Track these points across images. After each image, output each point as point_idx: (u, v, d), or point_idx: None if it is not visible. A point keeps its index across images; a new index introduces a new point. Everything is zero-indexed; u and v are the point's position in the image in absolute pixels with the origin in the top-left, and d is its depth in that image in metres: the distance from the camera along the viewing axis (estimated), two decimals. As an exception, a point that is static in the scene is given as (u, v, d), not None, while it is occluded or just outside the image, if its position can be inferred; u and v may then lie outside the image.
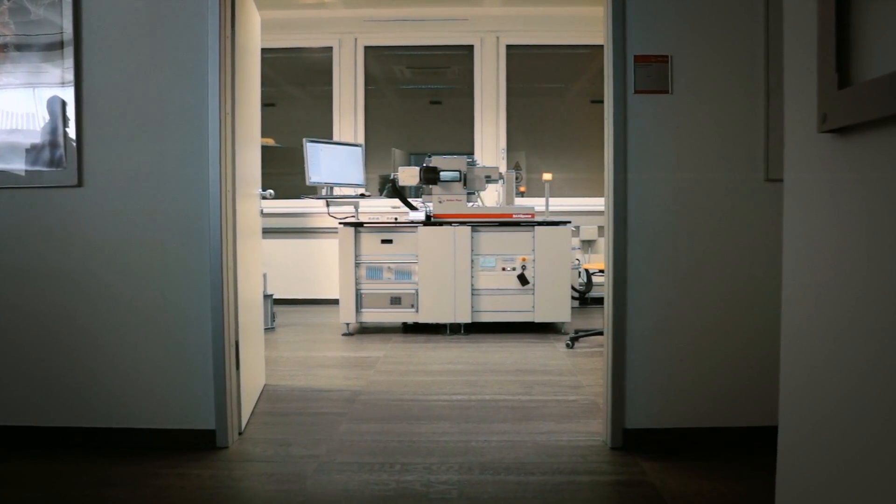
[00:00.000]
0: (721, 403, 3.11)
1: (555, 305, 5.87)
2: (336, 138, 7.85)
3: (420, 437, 3.27)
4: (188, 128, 3.06)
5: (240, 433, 3.30)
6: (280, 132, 8.02)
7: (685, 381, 3.11)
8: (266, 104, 8.72)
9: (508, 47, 7.93)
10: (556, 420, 3.52)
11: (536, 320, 5.89)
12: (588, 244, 7.74)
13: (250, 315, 3.73)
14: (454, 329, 5.95)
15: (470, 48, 7.97)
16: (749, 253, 3.07)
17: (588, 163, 7.93)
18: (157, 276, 3.12)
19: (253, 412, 3.67)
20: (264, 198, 4.12)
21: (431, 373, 4.54)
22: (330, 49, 8.02)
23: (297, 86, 8.39)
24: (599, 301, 7.66)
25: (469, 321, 5.85)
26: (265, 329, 6.10)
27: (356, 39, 7.94)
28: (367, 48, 8.00)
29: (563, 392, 4.05)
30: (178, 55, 3.06)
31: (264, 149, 8.45)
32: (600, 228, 7.68)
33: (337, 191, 6.47)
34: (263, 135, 8.59)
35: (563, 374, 4.47)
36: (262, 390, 4.10)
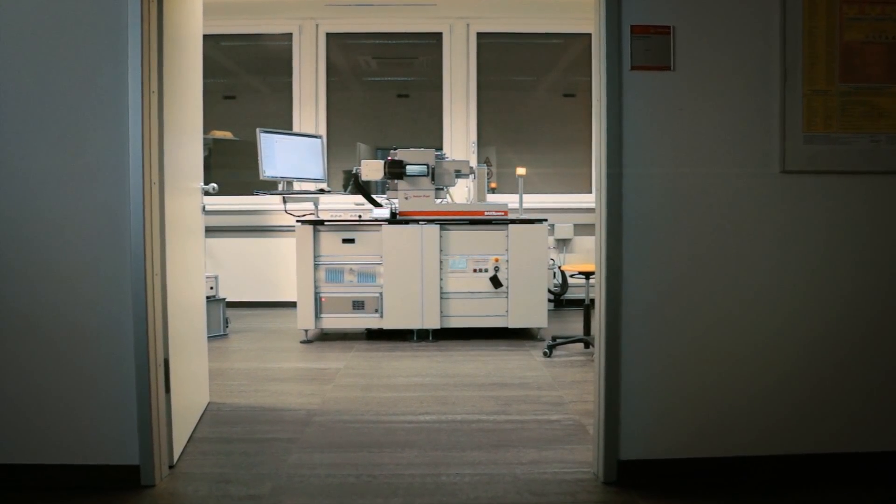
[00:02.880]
0: (732, 429, 2.70)
1: (530, 310, 5.45)
2: (296, 131, 7.36)
3: (382, 469, 2.82)
4: (104, 111, 2.57)
5: (171, 466, 2.82)
6: (240, 125, 7.53)
7: (689, 403, 2.69)
8: (226, 97, 8.33)
9: (479, 35, 7.50)
10: (539, 446, 3.08)
11: (511, 326, 5.46)
12: (563, 243, 7.35)
13: (188, 325, 3.25)
14: (422, 335, 5.49)
15: (438, 36, 7.52)
16: (762, 255, 2.66)
17: (561, 158, 7.55)
18: (68, 287, 2.62)
19: (191, 438, 3.19)
20: (207, 193, 3.64)
21: (396, 387, 4.08)
22: (290, 36, 7.52)
23: (257, 77, 7.88)
24: (575, 303, 7.30)
25: (438, 327, 5.40)
26: (216, 336, 5.62)
27: (317, 25, 7.46)
28: (329, 35, 7.51)
29: (544, 410, 3.62)
30: (92, 29, 2.56)
31: (223, 143, 8.01)
32: (576, 227, 7.29)
33: (296, 186, 5.98)
34: (222, 128, 8.15)
35: (543, 389, 4.05)
36: (205, 410, 3.62)
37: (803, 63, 2.59)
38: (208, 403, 3.73)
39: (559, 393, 3.95)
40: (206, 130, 7.81)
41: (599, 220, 2.66)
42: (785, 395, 2.71)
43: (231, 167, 7.63)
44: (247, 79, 7.84)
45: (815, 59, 2.59)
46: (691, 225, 2.65)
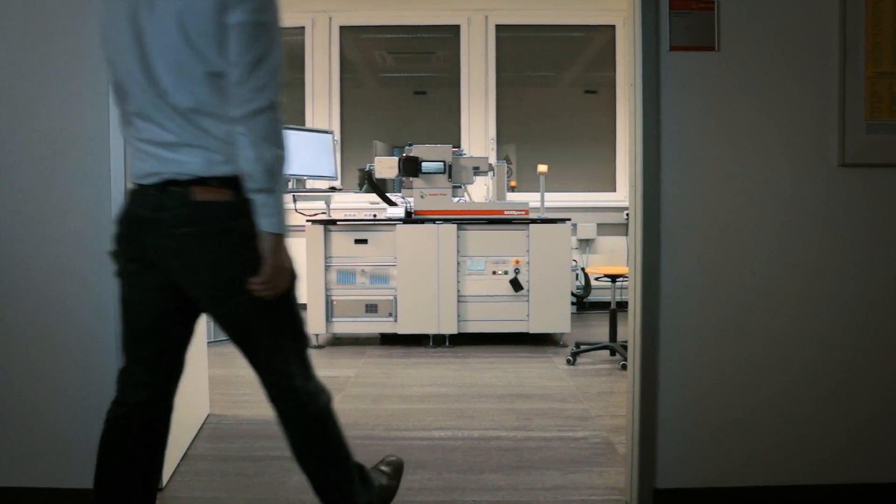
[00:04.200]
0: (788, 455, 2.40)
1: (552, 314, 5.16)
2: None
3: (391, 494, 2.56)
4: (84, 102, 2.33)
5: (160, 489, 2.57)
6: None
7: (737, 423, 2.39)
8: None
9: (498, 27, 7.22)
10: (564, 468, 2.80)
11: (531, 331, 5.18)
12: (586, 243, 7.05)
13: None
14: (438, 341, 5.22)
15: (456, 29, 7.25)
16: (820, 256, 2.36)
17: (583, 156, 7.28)
18: (44, 293, 2.38)
19: (185, 455, 2.94)
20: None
21: (409, 398, 3.82)
22: (302, 30, 7.27)
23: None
24: (599, 306, 7.00)
25: (455, 332, 5.12)
26: (221, 340, 5.37)
27: (331, 18, 7.21)
28: (343, 28, 7.26)
29: (569, 426, 3.34)
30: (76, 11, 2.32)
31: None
32: (599, 226, 6.99)
33: (308, 184, 5.72)
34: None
35: (567, 400, 3.76)
36: (204, 423, 3.37)
37: (866, 42, 2.29)
38: (208, 415, 3.48)
39: (584, 406, 3.66)
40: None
41: (634, 219, 2.38)
42: (846, 416, 2.40)
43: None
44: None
45: (881, 37, 2.29)
46: (738, 225, 2.36)
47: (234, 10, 1.64)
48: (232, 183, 1.73)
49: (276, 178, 1.69)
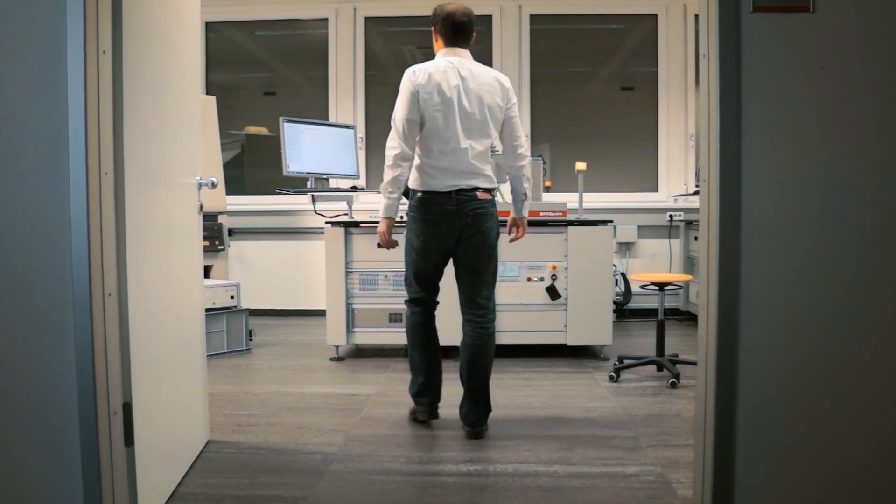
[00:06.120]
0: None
1: (593, 325, 4.71)
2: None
3: (409, 550, 2.14)
4: (35, 78, 1.94)
5: (137, 539, 2.18)
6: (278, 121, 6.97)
7: (838, 463, 1.94)
8: (266, 93, 7.73)
9: (532, 18, 6.78)
10: (615, 517, 2.37)
11: (570, 343, 4.74)
12: (626, 247, 6.59)
13: (174, 350, 2.63)
14: (467, 353, 4.80)
15: (488, 19, 6.81)
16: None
17: (621, 155, 6.86)
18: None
19: (174, 493, 2.55)
20: (206, 187, 3.00)
21: (435, 423, 3.39)
22: (325, 22, 6.89)
23: (297, 71, 7.30)
24: (640, 314, 6.52)
25: (486, 344, 4.69)
26: (237, 351, 5.02)
27: (355, 9, 6.83)
28: (367, 19, 6.87)
29: (617, 459, 2.89)
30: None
31: (256, 139, 7.42)
32: (640, 228, 6.52)
33: (331, 183, 5.33)
34: (258, 124, 7.58)
35: (612, 426, 3.32)
36: (202, 451, 2.98)
37: None
38: (207, 442, 3.09)
39: (633, 433, 3.21)
40: (241, 127, 7.28)
41: (707, 220, 1.94)
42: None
43: (264, 165, 7.07)
44: (286, 73, 7.28)
45: None
46: (836, 226, 1.90)
47: None
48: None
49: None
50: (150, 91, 2.38)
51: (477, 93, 3.13)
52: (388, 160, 3.14)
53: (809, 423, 1.94)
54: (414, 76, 3.13)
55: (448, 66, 3.15)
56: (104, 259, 1.98)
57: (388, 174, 3.16)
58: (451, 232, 3.13)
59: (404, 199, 3.26)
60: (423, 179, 3.19)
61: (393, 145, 3.15)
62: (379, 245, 3.35)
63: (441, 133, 3.10)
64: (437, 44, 3.31)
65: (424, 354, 3.31)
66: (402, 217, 3.32)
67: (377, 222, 3.34)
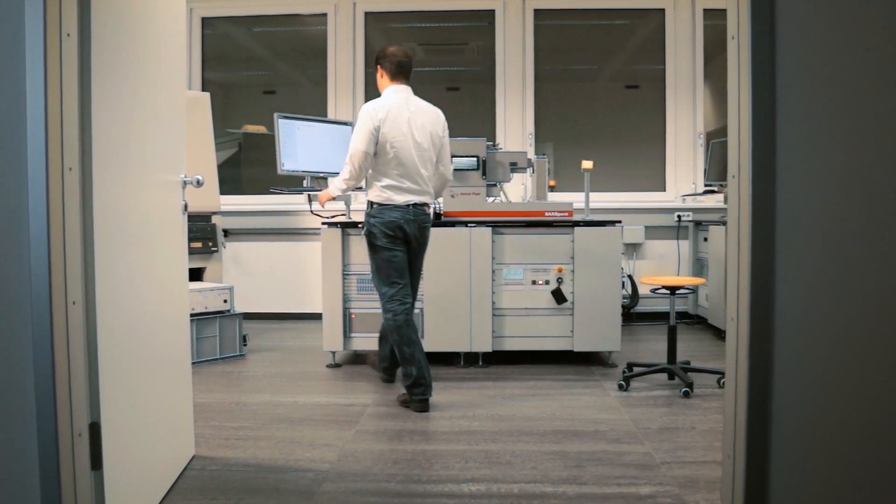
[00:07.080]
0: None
1: (600, 330, 4.51)
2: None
3: (405, 584, 1.94)
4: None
5: (109, 570, 1.99)
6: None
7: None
8: (266, 91, 7.55)
9: (536, 13, 6.59)
10: (631, 545, 2.17)
11: (576, 349, 4.54)
12: (632, 248, 6.39)
13: (152, 360, 2.43)
14: (469, 359, 4.61)
15: (490, 14, 6.63)
16: None
17: (626, 154, 6.69)
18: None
19: (153, 517, 2.36)
20: (191, 185, 2.81)
21: (435, 436, 3.20)
22: (324, 17, 6.71)
23: (296, 69, 7.13)
24: (648, 317, 6.32)
25: (489, 350, 4.51)
26: (231, 356, 4.83)
27: (355, 4, 6.64)
28: (367, 14, 6.68)
29: (630, 477, 2.70)
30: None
31: (254, 137, 7.23)
32: (648, 229, 6.32)
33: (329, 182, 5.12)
34: (258, 123, 7.39)
35: (623, 440, 3.12)
36: (186, 469, 2.79)
37: None
38: (192, 458, 2.90)
39: (646, 448, 3.02)
40: (239, 125, 7.10)
41: (737, 220, 1.74)
42: None
43: (261, 164, 6.88)
44: (285, 71, 7.11)
45: None
46: (882, 227, 1.71)
47: None
48: None
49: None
50: (127, 81, 2.19)
51: (423, 125, 3.71)
52: (338, 187, 3.79)
53: (853, 448, 1.74)
54: (375, 113, 3.60)
55: (401, 101, 3.69)
56: (67, 264, 1.79)
57: (336, 191, 3.82)
58: (407, 234, 3.70)
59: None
60: (387, 194, 3.67)
61: (346, 177, 3.70)
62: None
63: (402, 161, 3.64)
64: (383, 79, 3.80)
65: (414, 347, 3.65)
66: (361, 224, 3.41)
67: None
